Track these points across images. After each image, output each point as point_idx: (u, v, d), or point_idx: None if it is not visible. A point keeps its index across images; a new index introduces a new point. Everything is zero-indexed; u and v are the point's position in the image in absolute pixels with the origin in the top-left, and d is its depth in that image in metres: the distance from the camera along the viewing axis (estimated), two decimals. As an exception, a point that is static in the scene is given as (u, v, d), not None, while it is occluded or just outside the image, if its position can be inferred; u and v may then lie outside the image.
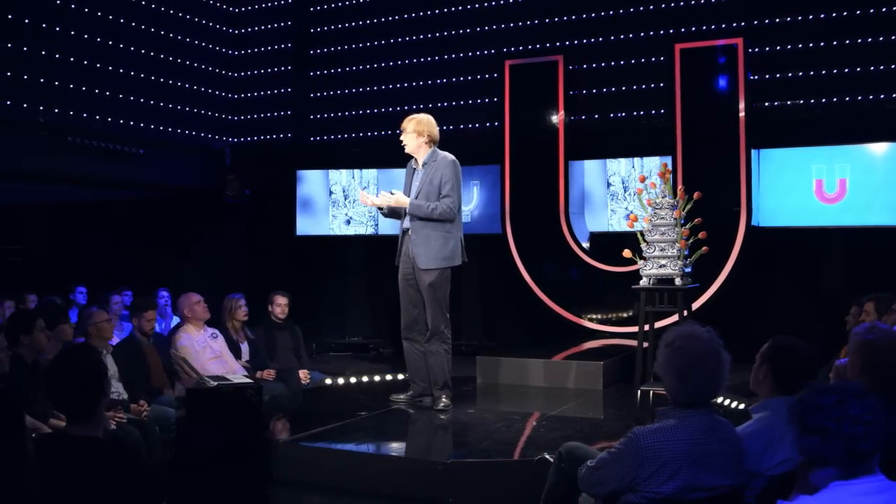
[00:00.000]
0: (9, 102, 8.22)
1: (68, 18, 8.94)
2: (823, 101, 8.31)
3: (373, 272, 10.41)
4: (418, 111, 10.44)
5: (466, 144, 10.03)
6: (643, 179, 5.45)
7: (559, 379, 6.86)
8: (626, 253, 5.25)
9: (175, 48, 10.42)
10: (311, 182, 10.73)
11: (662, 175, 5.40)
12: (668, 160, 8.52)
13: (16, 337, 5.02)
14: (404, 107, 10.42)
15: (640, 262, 5.23)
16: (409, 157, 6.09)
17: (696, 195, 5.94)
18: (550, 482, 3.67)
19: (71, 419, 2.84)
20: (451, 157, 5.95)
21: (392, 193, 5.85)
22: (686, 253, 5.37)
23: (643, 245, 5.26)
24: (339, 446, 4.94)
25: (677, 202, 5.35)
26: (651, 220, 5.39)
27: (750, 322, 7.99)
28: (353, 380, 7.40)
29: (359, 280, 10.84)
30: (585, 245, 9.12)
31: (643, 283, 5.20)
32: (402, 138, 5.97)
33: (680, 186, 5.63)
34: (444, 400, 5.92)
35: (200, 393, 4.67)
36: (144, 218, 11.59)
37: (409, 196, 5.89)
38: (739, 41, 8.15)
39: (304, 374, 7.56)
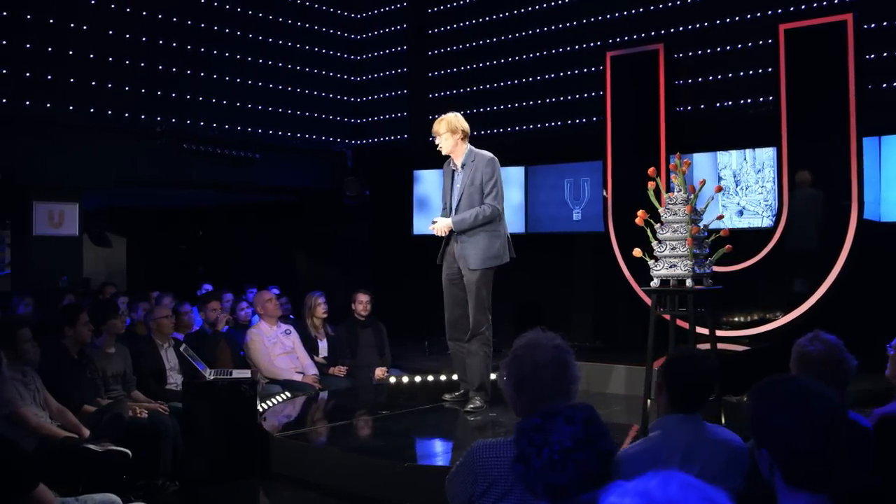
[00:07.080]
0: (127, 115, 8.99)
1: (184, 34, 9.62)
2: (951, 79, 7.33)
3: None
4: (527, 108, 10.50)
5: (574, 140, 9.81)
6: (653, 172, 5.05)
7: (603, 383, 6.57)
8: (637, 252, 4.90)
9: (294, 56, 10.92)
10: (427, 182, 10.87)
11: (675, 168, 4.98)
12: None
13: (60, 329, 5.50)
14: (513, 104, 10.36)
15: (651, 262, 4.85)
16: (447, 157, 6.05)
17: (716, 189, 5.46)
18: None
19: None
20: (490, 154, 5.92)
21: (434, 222, 5.92)
22: (706, 251, 4.92)
23: (654, 244, 4.89)
24: (319, 444, 5.02)
25: (689, 197, 4.93)
26: (664, 217, 5.00)
27: (868, 326, 7.20)
28: (417, 378, 7.41)
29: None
30: (692, 243, 8.59)
31: (654, 284, 4.83)
32: (437, 142, 5.92)
33: (700, 180, 5.17)
34: (476, 402, 5.86)
35: (196, 386, 4.90)
36: (271, 219, 12.23)
37: (454, 198, 5.93)
38: (849, 17, 7.33)
39: (381, 371, 7.68)
